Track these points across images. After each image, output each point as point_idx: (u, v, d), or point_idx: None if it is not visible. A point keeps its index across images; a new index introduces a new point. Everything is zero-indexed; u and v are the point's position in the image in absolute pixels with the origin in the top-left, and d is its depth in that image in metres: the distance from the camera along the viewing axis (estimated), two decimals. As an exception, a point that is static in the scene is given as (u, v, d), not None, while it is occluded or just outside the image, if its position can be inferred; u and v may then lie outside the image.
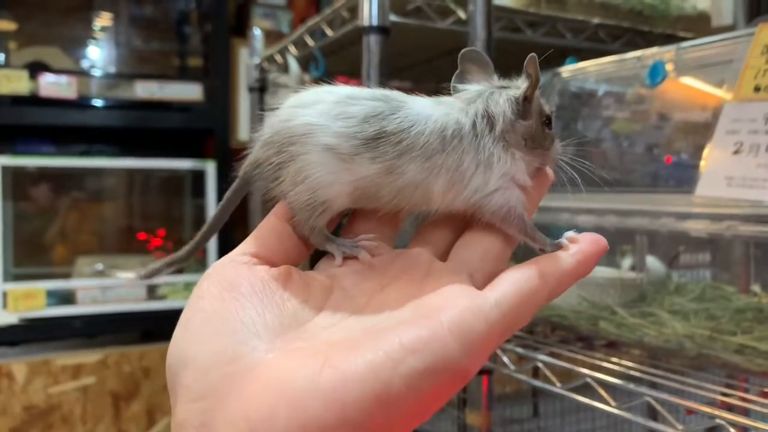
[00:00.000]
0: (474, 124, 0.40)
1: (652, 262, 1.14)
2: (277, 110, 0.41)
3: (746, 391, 0.77)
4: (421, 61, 1.35)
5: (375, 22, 0.96)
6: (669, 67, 0.82)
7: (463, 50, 0.45)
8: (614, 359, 0.87)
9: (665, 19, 1.25)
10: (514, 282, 0.34)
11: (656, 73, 0.81)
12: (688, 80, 0.82)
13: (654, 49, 0.84)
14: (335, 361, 0.30)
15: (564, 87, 1.01)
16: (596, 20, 1.13)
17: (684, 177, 0.88)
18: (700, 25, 1.27)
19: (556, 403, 1.77)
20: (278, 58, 1.29)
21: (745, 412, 0.73)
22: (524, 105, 0.41)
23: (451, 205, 0.40)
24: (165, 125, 2.40)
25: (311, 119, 0.38)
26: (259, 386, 0.30)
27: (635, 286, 1.01)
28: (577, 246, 0.38)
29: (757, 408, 0.71)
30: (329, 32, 1.10)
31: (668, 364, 0.86)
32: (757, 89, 0.70)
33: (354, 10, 0.99)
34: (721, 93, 0.76)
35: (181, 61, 2.67)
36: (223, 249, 2.37)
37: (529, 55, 0.40)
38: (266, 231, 0.40)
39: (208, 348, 0.32)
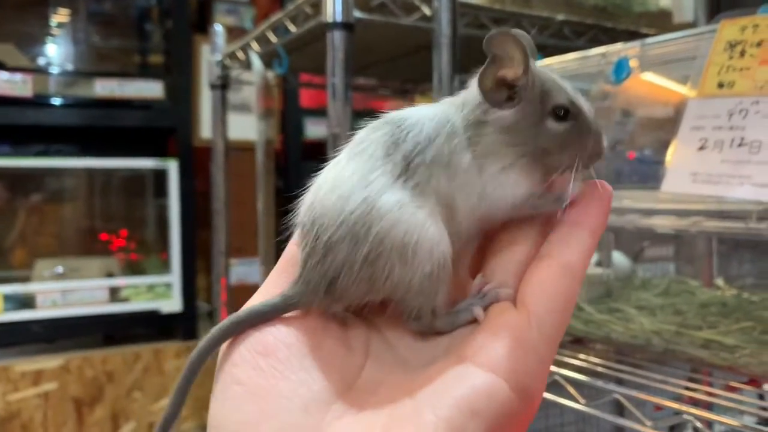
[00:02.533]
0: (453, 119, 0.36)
1: (618, 257, 1.15)
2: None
3: (711, 385, 0.77)
4: (387, 57, 1.34)
5: (339, 18, 0.95)
6: (633, 63, 0.82)
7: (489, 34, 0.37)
8: (582, 356, 0.87)
9: (628, 15, 1.26)
10: (547, 297, 0.31)
11: (621, 70, 0.81)
12: (652, 77, 0.83)
13: (618, 46, 0.84)
14: None
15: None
16: (561, 17, 1.13)
17: (648, 173, 0.88)
18: (662, 21, 1.29)
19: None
20: (240, 55, 1.27)
21: (710, 407, 0.73)
22: (494, 90, 0.35)
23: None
24: (126, 124, 2.35)
25: (356, 198, 0.33)
26: None
27: (602, 282, 1.01)
28: (585, 210, 0.35)
29: (723, 402, 0.71)
30: (292, 28, 1.08)
31: (635, 360, 0.87)
32: (720, 85, 0.70)
33: (317, 6, 0.98)
34: (685, 89, 0.77)
35: (141, 59, 2.61)
36: (186, 251, 2.34)
37: (490, 33, 0.34)
38: (290, 264, 0.36)
39: (254, 428, 0.29)
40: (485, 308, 0.33)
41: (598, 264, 1.12)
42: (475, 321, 0.33)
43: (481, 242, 0.37)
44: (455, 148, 0.35)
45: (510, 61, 0.35)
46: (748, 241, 1.15)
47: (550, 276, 0.32)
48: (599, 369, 0.83)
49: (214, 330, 0.34)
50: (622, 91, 0.91)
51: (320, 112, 2.76)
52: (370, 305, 0.35)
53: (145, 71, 2.54)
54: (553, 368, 0.82)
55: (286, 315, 0.34)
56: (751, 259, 1.15)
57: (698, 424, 0.66)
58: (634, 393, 0.73)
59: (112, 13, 2.60)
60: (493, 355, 0.29)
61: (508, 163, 0.35)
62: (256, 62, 1.16)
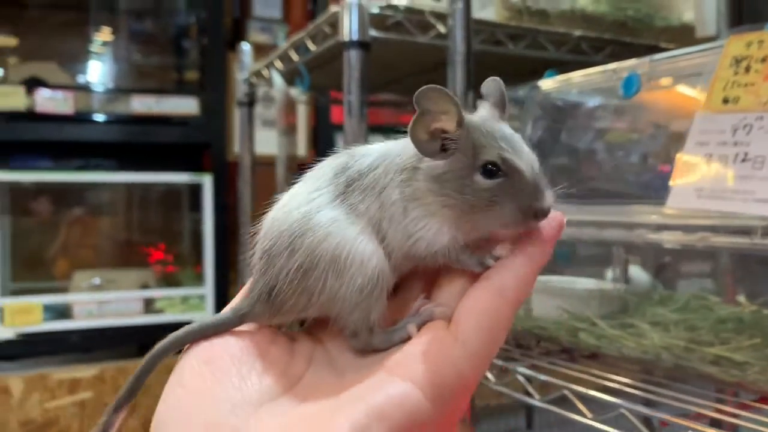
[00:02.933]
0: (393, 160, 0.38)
1: (637, 272, 1.15)
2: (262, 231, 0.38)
3: (721, 402, 0.77)
4: (408, 74, 1.36)
5: (355, 37, 0.97)
6: (645, 77, 0.82)
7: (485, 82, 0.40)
8: (594, 371, 0.87)
9: (649, 30, 1.26)
10: (476, 315, 0.33)
11: (630, 85, 0.82)
12: (684, 89, 0.83)
13: (630, 62, 0.85)
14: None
15: (544, 100, 1.02)
16: (578, 33, 1.13)
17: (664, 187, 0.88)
18: (684, 35, 1.28)
19: (550, 415, 1.76)
20: (265, 72, 1.30)
21: (719, 424, 0.73)
22: (427, 141, 0.36)
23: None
24: (162, 139, 2.42)
25: (296, 216, 0.37)
26: None
27: (617, 297, 1.01)
28: (528, 239, 0.36)
29: (731, 420, 0.71)
30: (312, 47, 1.11)
31: (649, 376, 0.86)
32: (725, 101, 0.70)
33: (335, 26, 1.00)
34: (697, 104, 0.77)
35: (178, 75, 2.69)
36: (219, 263, 2.39)
37: (420, 89, 0.35)
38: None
39: (185, 423, 0.32)
40: (421, 326, 0.35)
41: (615, 280, 1.11)
42: (410, 338, 0.35)
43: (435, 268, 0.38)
44: (388, 183, 0.37)
45: (443, 114, 0.36)
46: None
47: (482, 297, 0.34)
48: (610, 384, 0.83)
49: (170, 337, 0.37)
50: (654, 103, 0.91)
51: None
52: (319, 323, 0.38)
53: (181, 88, 2.62)
54: (562, 383, 0.83)
55: (240, 328, 0.37)
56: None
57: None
58: (640, 408, 0.73)
59: (152, 32, 2.68)
60: (413, 367, 0.31)
61: (431, 211, 0.37)
62: (277, 80, 1.19)
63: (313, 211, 0.37)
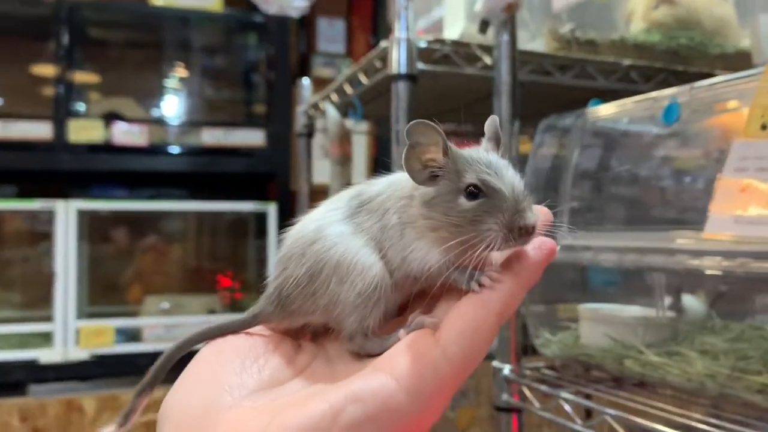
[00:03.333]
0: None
1: (690, 301, 1.13)
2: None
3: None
4: (459, 106, 1.39)
5: (403, 70, 1.01)
6: (686, 105, 0.83)
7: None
8: (638, 398, 0.86)
9: (704, 58, 1.25)
10: (459, 324, 0.36)
11: (671, 113, 0.82)
12: (705, 118, 0.83)
13: (671, 90, 0.85)
14: (283, 417, 0.33)
15: (589, 128, 1.03)
16: (627, 62, 1.14)
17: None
18: (740, 63, 1.26)
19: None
20: (323, 105, 1.36)
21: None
22: (420, 170, 0.40)
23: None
24: (230, 170, 2.52)
25: (311, 227, 0.42)
26: None
27: (667, 326, 1.00)
28: (519, 259, 0.38)
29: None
30: (364, 80, 1.16)
31: (697, 405, 0.85)
32: (763, 127, 0.70)
33: (385, 60, 1.05)
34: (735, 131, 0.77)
35: (246, 109, 2.80)
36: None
37: (411, 123, 0.39)
38: None
39: (185, 403, 0.36)
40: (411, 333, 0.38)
41: (669, 307, 1.10)
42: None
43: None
44: (389, 208, 0.41)
45: (432, 146, 0.39)
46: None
47: (467, 307, 0.36)
48: (654, 412, 0.82)
49: (194, 332, 0.42)
50: (718, 127, 0.91)
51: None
52: (324, 333, 0.42)
53: (249, 120, 2.73)
54: (604, 408, 0.82)
55: (254, 329, 0.42)
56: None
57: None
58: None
59: (222, 68, 2.81)
60: (395, 363, 0.34)
61: (422, 233, 0.40)
62: (331, 111, 1.24)
63: (326, 224, 0.41)
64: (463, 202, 0.39)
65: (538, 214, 0.39)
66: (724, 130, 0.86)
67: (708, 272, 0.74)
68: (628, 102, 0.91)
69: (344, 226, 0.41)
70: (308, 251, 0.41)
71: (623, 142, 0.98)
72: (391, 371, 0.34)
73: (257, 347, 0.40)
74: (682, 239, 0.76)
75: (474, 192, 0.39)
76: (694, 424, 0.78)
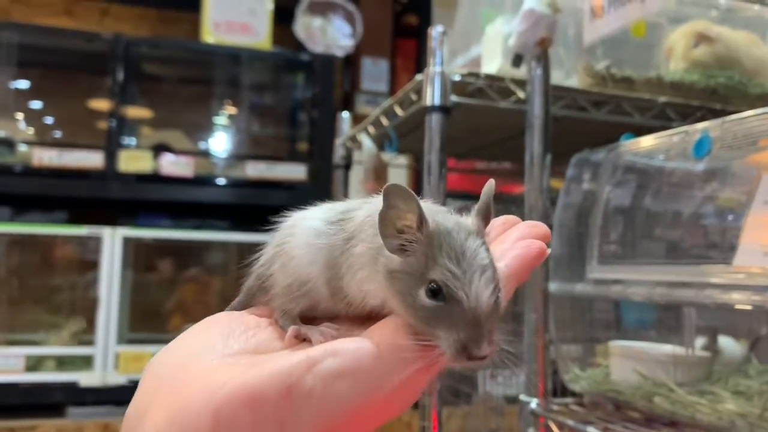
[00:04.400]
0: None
1: (727, 343, 1.10)
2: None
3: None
4: (494, 141, 1.40)
5: (437, 101, 1.03)
6: (717, 140, 0.82)
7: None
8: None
9: (743, 98, 1.24)
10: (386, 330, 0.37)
11: (702, 147, 0.82)
12: (738, 154, 0.83)
13: (702, 124, 0.85)
14: (258, 366, 0.34)
15: (622, 163, 1.03)
16: (663, 99, 1.14)
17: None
18: (781, 102, 1.25)
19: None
20: (360, 137, 1.38)
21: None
22: (390, 236, 0.37)
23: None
24: (272, 203, 2.57)
25: (298, 216, 0.45)
26: (189, 385, 0.35)
27: (699, 365, 0.97)
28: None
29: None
30: (399, 112, 1.18)
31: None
32: (794, 160, 0.70)
33: (420, 92, 1.07)
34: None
35: (290, 145, 2.86)
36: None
37: (391, 184, 0.36)
38: None
39: (167, 359, 0.38)
40: (321, 335, 0.39)
41: (705, 347, 1.08)
42: (305, 341, 0.40)
43: None
44: (361, 234, 0.40)
45: (409, 213, 0.36)
46: None
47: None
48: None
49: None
50: (752, 164, 0.90)
51: (457, 195, 2.87)
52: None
53: (292, 155, 2.78)
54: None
55: (251, 309, 0.45)
56: None
57: None
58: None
59: (269, 104, 2.89)
60: (378, 333, 0.36)
61: (379, 285, 0.38)
62: (367, 143, 1.27)
63: (303, 220, 0.44)
64: (423, 297, 0.35)
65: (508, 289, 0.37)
66: (758, 167, 0.85)
67: (738, 307, 0.73)
68: (660, 136, 0.91)
69: (317, 225, 0.42)
70: (278, 237, 0.44)
71: (655, 177, 0.97)
72: (373, 339, 0.35)
73: (249, 322, 0.42)
74: (713, 273, 0.75)
75: (435, 290, 0.35)
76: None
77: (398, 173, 1.82)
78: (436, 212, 0.39)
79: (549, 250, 0.40)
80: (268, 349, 0.39)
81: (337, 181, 1.53)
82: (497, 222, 0.43)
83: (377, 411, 0.35)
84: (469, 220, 0.38)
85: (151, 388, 0.36)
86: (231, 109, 2.78)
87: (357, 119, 1.77)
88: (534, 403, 0.97)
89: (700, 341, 1.10)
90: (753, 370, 1.04)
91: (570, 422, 0.92)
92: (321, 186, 2.59)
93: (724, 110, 1.19)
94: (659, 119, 1.15)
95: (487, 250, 0.37)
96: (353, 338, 0.35)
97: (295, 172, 2.60)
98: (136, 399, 0.37)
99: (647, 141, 0.97)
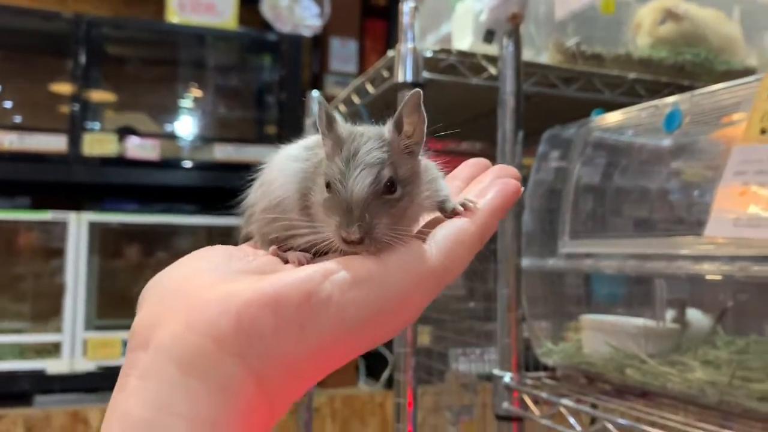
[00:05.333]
0: None
1: (695, 315, 1.12)
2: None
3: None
4: (469, 118, 1.40)
5: (409, 78, 1.02)
6: (687, 113, 0.83)
7: None
8: (639, 407, 0.86)
9: (710, 74, 1.25)
10: (449, 231, 0.39)
11: (673, 121, 0.83)
12: (707, 128, 0.84)
13: (672, 98, 0.86)
14: (271, 277, 0.35)
15: (591, 139, 1.03)
16: (632, 75, 1.15)
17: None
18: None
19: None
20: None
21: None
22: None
23: None
24: (241, 185, 2.53)
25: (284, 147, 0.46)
26: (203, 293, 0.35)
27: (669, 337, 0.99)
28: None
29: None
30: (371, 90, 1.17)
31: (699, 416, 0.84)
32: (763, 131, 0.71)
33: (392, 69, 1.06)
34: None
35: (258, 127, 2.83)
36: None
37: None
38: None
39: (172, 277, 0.38)
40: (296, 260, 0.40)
41: (675, 320, 1.09)
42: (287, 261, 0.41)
43: None
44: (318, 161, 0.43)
45: (321, 120, 0.40)
46: None
47: (451, 222, 0.41)
48: (654, 419, 0.81)
49: None
50: (720, 138, 0.92)
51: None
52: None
53: (261, 138, 2.75)
54: (603, 414, 0.82)
55: (247, 243, 0.47)
56: None
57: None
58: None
59: (235, 87, 2.85)
60: (389, 249, 0.38)
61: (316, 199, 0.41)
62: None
63: (283, 150, 0.46)
64: (324, 191, 0.39)
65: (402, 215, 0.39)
66: (726, 140, 0.86)
67: (708, 277, 0.74)
68: (630, 111, 0.91)
69: (295, 151, 0.45)
70: (263, 169, 0.47)
71: (625, 152, 0.98)
72: (383, 255, 0.37)
73: (246, 250, 0.42)
74: (684, 245, 0.76)
75: (327, 185, 0.39)
76: (694, 431, 0.77)
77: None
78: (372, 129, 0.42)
79: (523, 190, 0.43)
80: (271, 271, 0.39)
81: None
82: (468, 163, 0.48)
83: (388, 320, 0.36)
84: (385, 129, 0.41)
85: (158, 302, 0.36)
86: (197, 91, 2.74)
87: (327, 101, 1.76)
88: (508, 377, 0.98)
89: (669, 314, 1.12)
90: (720, 341, 1.06)
91: (544, 395, 0.93)
92: (290, 168, 2.57)
93: (692, 86, 1.20)
94: (628, 96, 1.16)
95: (386, 152, 0.39)
96: (361, 255, 0.37)
97: (264, 154, 2.54)
98: (142, 315, 0.36)
99: (617, 116, 0.98)
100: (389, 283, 0.36)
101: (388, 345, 2.56)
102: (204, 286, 0.35)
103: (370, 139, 0.40)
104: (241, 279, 0.36)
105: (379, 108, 1.25)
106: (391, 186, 0.39)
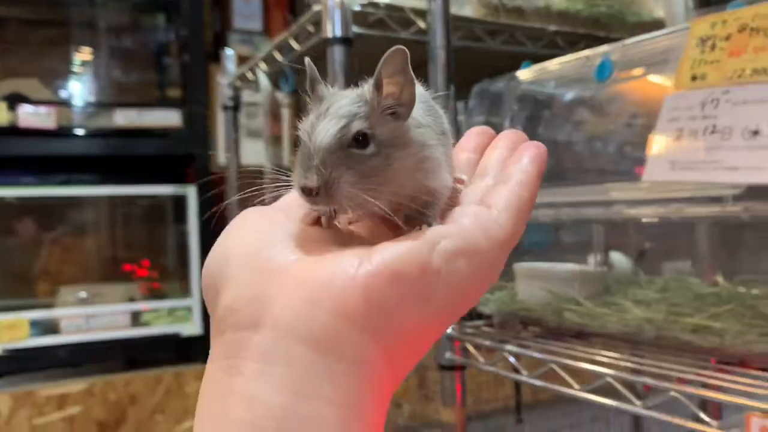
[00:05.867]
0: None
1: (617, 257, 1.18)
2: None
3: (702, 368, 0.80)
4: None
5: (338, 33, 1.00)
6: (618, 63, 0.86)
7: None
8: (579, 347, 0.90)
9: (622, 26, 1.30)
10: (509, 198, 0.39)
11: (604, 70, 0.85)
12: (656, 78, 0.87)
13: (603, 47, 0.88)
14: (385, 248, 0.34)
15: (521, 92, 1.05)
16: (553, 28, 1.17)
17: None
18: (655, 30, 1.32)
19: (541, 423, 1.80)
20: (250, 75, 1.33)
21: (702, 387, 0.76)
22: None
23: None
24: (144, 152, 2.43)
25: None
26: (315, 268, 0.33)
27: (599, 280, 1.04)
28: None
29: (714, 381, 0.74)
30: (296, 46, 1.14)
31: (633, 350, 0.89)
32: (693, 78, 0.74)
33: (318, 24, 1.03)
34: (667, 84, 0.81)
35: (160, 91, 2.70)
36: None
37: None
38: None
39: (246, 247, 0.35)
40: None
41: (599, 263, 1.15)
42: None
43: None
44: None
45: (311, 80, 0.39)
46: (746, 241, 1.18)
47: (513, 192, 0.40)
48: (596, 357, 0.85)
49: None
50: (629, 92, 0.95)
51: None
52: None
53: (163, 101, 2.63)
54: (549, 357, 0.85)
55: None
56: (749, 255, 1.17)
57: (685, 400, 0.68)
58: (625, 375, 0.75)
59: (132, 48, 2.70)
60: (466, 217, 0.38)
61: None
62: (264, 81, 1.22)
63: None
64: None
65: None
66: (660, 87, 0.90)
67: (644, 220, 0.78)
68: (559, 62, 0.93)
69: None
70: None
71: (554, 104, 1.00)
72: (466, 224, 0.37)
73: (280, 216, 0.40)
74: (619, 190, 0.80)
75: (299, 140, 0.38)
76: (631, 365, 0.82)
77: (286, 114, 1.75)
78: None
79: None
80: (329, 237, 0.37)
81: (226, 124, 1.46)
82: (473, 132, 0.47)
83: (482, 287, 0.37)
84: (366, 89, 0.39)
85: (251, 277, 0.34)
86: (91, 54, 2.58)
87: (235, 60, 1.69)
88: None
89: (593, 258, 1.17)
90: (642, 281, 1.13)
91: (486, 342, 0.95)
92: (198, 133, 2.49)
93: (607, 38, 1.24)
94: (550, 48, 1.18)
95: (360, 108, 0.37)
96: (446, 225, 0.37)
97: (168, 118, 2.46)
98: (236, 292, 0.33)
99: (546, 68, 1.00)
100: (482, 253, 0.35)
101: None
102: (307, 262, 0.33)
103: (347, 97, 0.38)
104: (330, 250, 0.34)
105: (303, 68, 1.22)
106: (362, 141, 0.36)
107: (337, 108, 0.36)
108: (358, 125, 0.36)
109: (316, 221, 0.38)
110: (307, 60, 0.38)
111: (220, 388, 0.31)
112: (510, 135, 0.45)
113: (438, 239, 0.34)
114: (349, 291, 0.32)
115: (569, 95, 1.00)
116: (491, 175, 0.42)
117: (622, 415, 1.69)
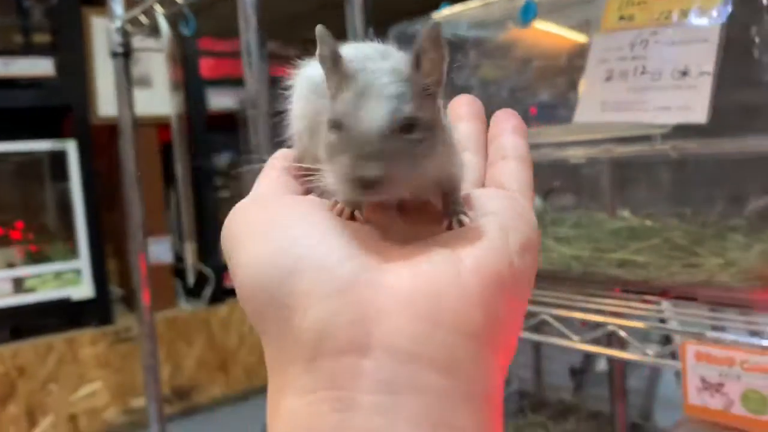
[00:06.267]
0: None
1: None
2: None
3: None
4: (290, 17, 1.33)
5: (248, -28, 0.94)
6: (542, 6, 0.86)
7: None
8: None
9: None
10: (520, 177, 0.37)
11: (528, 12, 0.85)
12: (549, 26, 0.87)
13: (524, -11, 0.88)
14: (473, 250, 0.31)
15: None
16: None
17: (552, 117, 0.93)
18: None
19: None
20: (143, 19, 1.23)
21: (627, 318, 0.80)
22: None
23: None
24: (14, 104, 2.23)
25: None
26: (415, 284, 0.29)
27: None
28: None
29: (640, 312, 0.78)
30: (197, -13, 1.06)
31: (560, 290, 0.93)
32: (621, 18, 0.75)
33: (224, -38, 0.97)
34: (582, 36, 0.82)
35: (24, 37, 2.46)
36: (93, 234, 2.26)
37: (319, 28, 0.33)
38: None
39: (315, 256, 0.30)
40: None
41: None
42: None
43: None
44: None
45: (324, 57, 0.33)
46: (645, 176, 1.24)
47: (511, 167, 0.39)
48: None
49: None
50: (521, 40, 0.96)
51: (222, 82, 2.71)
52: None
53: (30, 49, 2.41)
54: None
55: None
56: (648, 191, 1.23)
57: (621, 333, 0.72)
58: (560, 312, 0.78)
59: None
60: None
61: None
62: (164, 25, 1.13)
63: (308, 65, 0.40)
64: (329, 134, 0.32)
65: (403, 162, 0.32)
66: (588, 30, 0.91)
67: (573, 161, 0.80)
68: (482, 4, 0.93)
69: (316, 77, 0.37)
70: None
71: (476, 47, 1.00)
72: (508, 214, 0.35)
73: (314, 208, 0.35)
74: (551, 133, 0.81)
75: (334, 123, 0.32)
76: (568, 303, 0.85)
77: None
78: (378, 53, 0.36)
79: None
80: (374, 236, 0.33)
81: (117, 72, 1.35)
82: (462, 101, 0.43)
83: (535, 273, 0.35)
84: (402, 65, 0.34)
85: (340, 295, 0.28)
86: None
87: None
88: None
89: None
90: (549, 218, 1.17)
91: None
92: (75, 83, 2.31)
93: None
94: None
95: (407, 87, 0.32)
96: (489, 214, 0.34)
97: (39, 67, 2.26)
98: (323, 313, 0.28)
99: (466, 9, 0.99)
100: (534, 240, 0.34)
101: (208, 262, 2.49)
102: (399, 271, 0.29)
103: (386, 73, 0.32)
104: (407, 253, 0.31)
105: (205, 8, 1.14)
106: (411, 126, 0.31)
107: (383, 86, 0.32)
108: (408, 108, 0.31)
109: (351, 215, 0.33)
110: (319, 28, 0.33)
111: (329, 425, 0.27)
112: (470, 102, 0.43)
113: (503, 233, 0.32)
114: (465, 304, 0.29)
115: (495, 36, 1.00)
116: (471, 150, 0.40)
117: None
